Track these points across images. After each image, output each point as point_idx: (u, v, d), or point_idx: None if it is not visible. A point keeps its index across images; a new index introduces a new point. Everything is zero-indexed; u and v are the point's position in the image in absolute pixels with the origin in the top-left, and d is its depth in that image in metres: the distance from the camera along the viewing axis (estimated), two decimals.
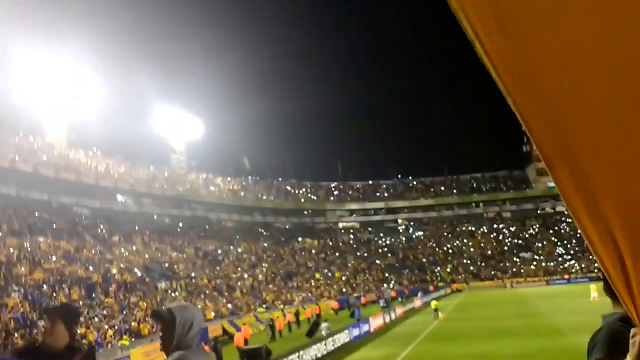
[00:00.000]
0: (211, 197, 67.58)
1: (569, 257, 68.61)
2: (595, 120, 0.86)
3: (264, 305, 42.21)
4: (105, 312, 28.30)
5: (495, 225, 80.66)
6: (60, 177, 45.93)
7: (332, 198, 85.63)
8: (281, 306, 42.55)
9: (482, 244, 76.15)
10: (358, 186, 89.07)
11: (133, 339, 25.81)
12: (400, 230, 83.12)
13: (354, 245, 76.24)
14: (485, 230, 79.69)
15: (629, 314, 1.06)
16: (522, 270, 67.66)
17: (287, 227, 77.05)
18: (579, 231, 1.02)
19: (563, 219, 76.13)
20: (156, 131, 66.84)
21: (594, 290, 32.03)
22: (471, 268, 70.49)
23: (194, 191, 65.04)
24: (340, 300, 49.35)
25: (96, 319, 26.64)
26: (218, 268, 49.23)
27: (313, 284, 56.51)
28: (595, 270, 50.75)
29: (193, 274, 43.43)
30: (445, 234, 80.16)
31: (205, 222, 62.81)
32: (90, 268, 34.22)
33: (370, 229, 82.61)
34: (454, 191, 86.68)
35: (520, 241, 75.77)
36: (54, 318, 2.91)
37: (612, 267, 0.98)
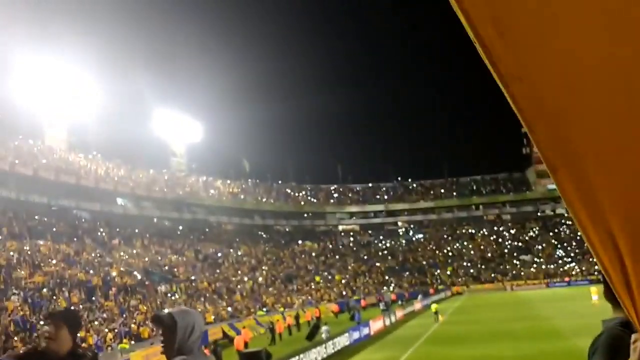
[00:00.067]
0: (211, 200, 67.60)
1: (569, 259, 68.57)
2: (596, 124, 0.85)
3: (264, 309, 42.17)
4: (105, 315, 28.27)
5: (495, 228, 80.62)
6: (60, 180, 45.92)
7: (332, 201, 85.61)
8: (281, 309, 42.51)
9: (482, 247, 76.10)
10: (358, 189, 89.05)
11: (133, 342, 25.76)
12: (400, 233, 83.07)
13: (354, 248, 76.19)
14: (485, 233, 79.65)
15: (629, 319, 1.06)
16: (522, 273, 67.61)
17: (287, 230, 77.04)
18: (579, 233, 1.03)
19: (563, 221, 76.12)
20: (156, 134, 66.89)
21: (595, 292, 31.98)
22: (471, 271, 70.45)
23: (193, 194, 65.04)
24: (341, 303, 49.29)
25: (96, 322, 26.62)
26: (218, 271, 49.20)
27: (313, 287, 56.45)
28: (596, 273, 50.73)
29: (193, 277, 43.40)
30: (445, 236, 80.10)
31: (205, 225, 62.80)
32: (90, 271, 34.18)
33: (370, 231, 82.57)
34: (454, 194, 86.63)
35: (520, 244, 75.73)
36: (58, 323, 2.87)
37: (613, 270, 0.97)
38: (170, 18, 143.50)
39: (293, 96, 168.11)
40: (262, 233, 71.50)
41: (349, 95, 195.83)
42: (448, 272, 69.91)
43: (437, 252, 75.92)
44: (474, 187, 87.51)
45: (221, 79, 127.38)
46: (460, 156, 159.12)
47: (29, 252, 32.86)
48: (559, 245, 72.51)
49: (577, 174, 0.89)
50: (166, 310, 2.35)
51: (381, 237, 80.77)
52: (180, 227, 58.42)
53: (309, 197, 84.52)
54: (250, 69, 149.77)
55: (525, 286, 62.36)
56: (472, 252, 75.20)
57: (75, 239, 39.75)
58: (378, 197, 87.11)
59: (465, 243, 77.72)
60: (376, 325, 29.65)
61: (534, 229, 78.50)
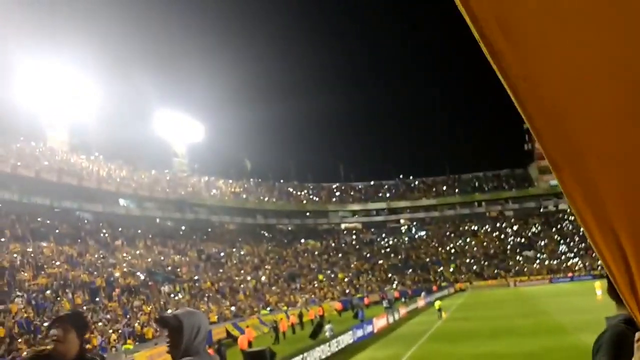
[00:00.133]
0: (213, 200, 67.66)
1: (572, 255, 68.49)
2: (601, 123, 0.85)
3: (268, 308, 42.19)
4: (108, 316, 28.32)
5: (497, 224, 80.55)
6: (62, 182, 45.98)
7: (334, 199, 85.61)
8: (284, 308, 42.53)
9: (484, 243, 76.06)
10: (360, 187, 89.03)
11: (137, 343, 25.81)
12: (403, 231, 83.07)
13: (357, 246, 76.22)
14: (488, 229, 79.58)
15: (633, 317, 1.07)
16: (525, 269, 67.57)
17: (290, 228, 77.08)
18: (581, 229, 1.03)
19: (566, 216, 76.04)
20: (158, 135, 67.00)
21: (599, 287, 31.91)
22: (474, 267, 70.41)
23: (196, 194, 65.10)
24: (344, 302, 49.32)
25: (100, 323, 26.64)
26: (221, 271, 49.24)
27: (316, 285, 56.48)
28: (599, 268, 50.67)
29: (196, 277, 43.45)
30: (447, 233, 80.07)
31: (207, 225, 62.87)
32: (94, 272, 34.26)
33: (372, 229, 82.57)
34: (456, 190, 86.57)
35: (523, 240, 75.66)
36: (66, 326, 2.85)
37: (617, 269, 0.98)
38: (171, 18, 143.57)
39: (294, 96, 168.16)
40: (265, 232, 71.56)
41: (350, 94, 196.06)
42: (451, 269, 69.90)
43: (439, 249, 75.91)
44: (476, 184, 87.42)
45: (222, 79, 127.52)
46: (462, 153, 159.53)
47: (32, 254, 32.91)
48: (561, 241, 72.43)
49: (581, 173, 0.90)
50: (171, 312, 2.35)
51: (384, 235, 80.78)
52: (183, 228, 58.50)
53: (311, 196, 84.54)
54: (251, 68, 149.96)
55: (528, 282, 62.33)
56: (474, 248, 75.16)
57: (78, 241, 39.83)
58: (380, 195, 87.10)
59: (467, 240, 77.68)
60: (380, 322, 29.65)
61: (537, 225, 78.41)
